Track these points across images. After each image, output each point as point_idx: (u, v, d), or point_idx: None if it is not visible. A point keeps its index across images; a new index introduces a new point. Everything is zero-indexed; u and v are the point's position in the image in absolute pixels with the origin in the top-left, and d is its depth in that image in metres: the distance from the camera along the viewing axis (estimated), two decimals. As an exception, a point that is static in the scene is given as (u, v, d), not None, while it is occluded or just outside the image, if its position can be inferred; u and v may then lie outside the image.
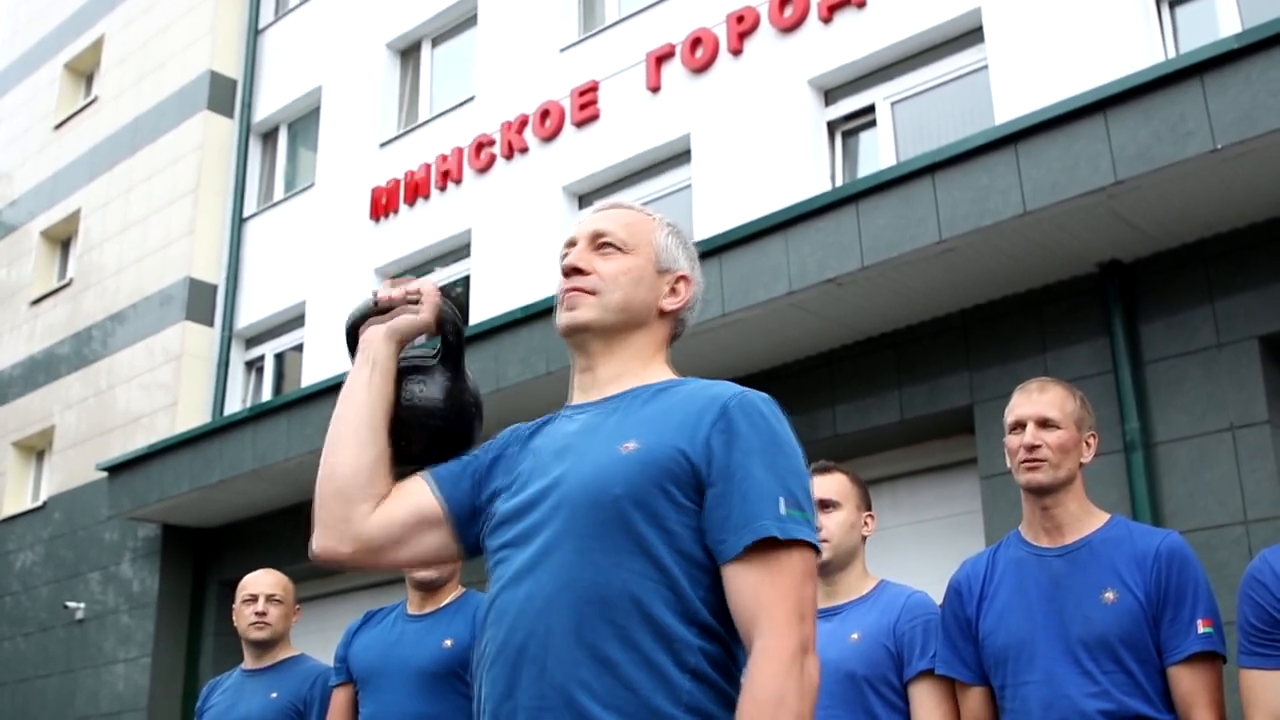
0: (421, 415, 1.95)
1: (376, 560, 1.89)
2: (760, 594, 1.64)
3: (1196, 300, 6.08)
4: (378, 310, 1.97)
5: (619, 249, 1.90)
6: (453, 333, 1.98)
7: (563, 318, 1.89)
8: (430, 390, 1.96)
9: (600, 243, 1.91)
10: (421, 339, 2.01)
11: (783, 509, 1.67)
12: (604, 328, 1.88)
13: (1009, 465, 2.82)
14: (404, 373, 1.97)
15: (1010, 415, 2.82)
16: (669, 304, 1.92)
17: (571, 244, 1.94)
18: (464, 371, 2.02)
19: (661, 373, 1.90)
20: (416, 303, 1.95)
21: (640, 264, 1.90)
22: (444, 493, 1.89)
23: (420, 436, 1.95)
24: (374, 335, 1.95)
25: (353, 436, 1.89)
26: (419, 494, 1.89)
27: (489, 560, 1.84)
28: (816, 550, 1.71)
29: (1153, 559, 2.61)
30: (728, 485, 1.69)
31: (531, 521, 1.76)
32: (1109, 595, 2.61)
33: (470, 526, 1.90)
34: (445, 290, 2.01)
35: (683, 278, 1.94)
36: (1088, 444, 2.80)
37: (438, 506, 1.88)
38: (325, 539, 1.87)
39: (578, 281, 1.88)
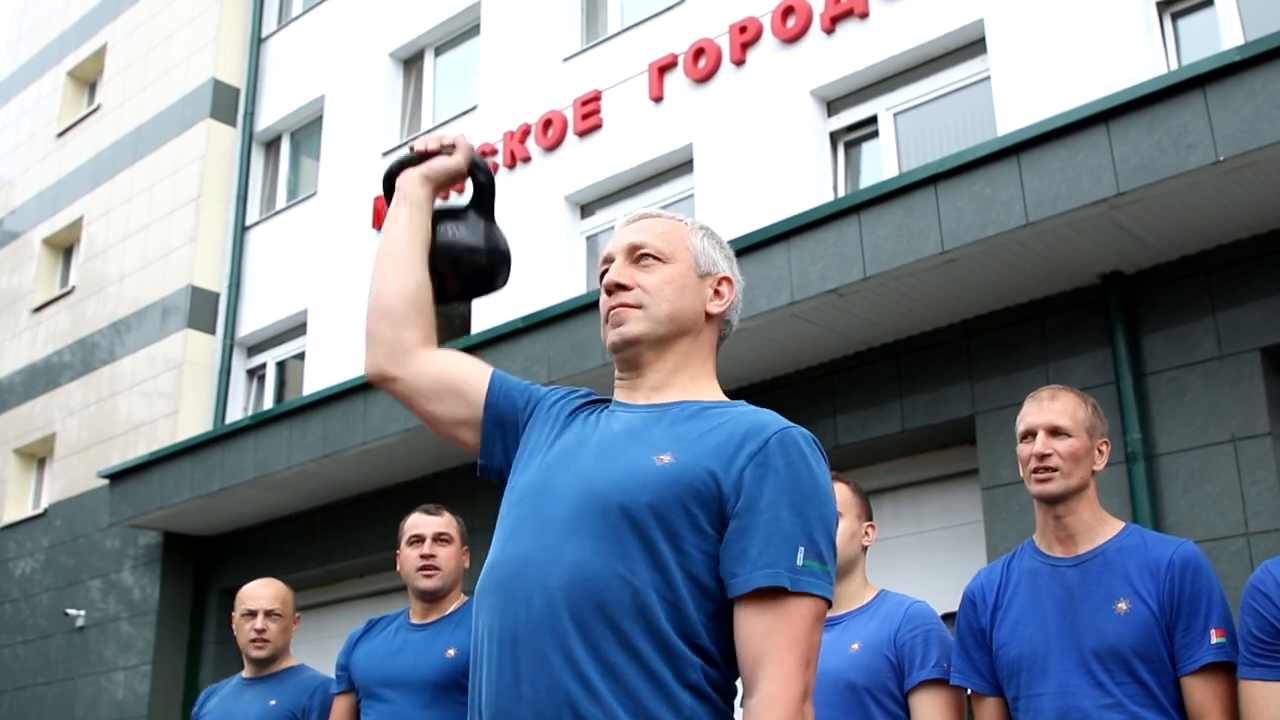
0: (459, 252, 2.09)
1: (414, 395, 1.98)
2: (770, 638, 1.64)
3: (1198, 312, 6.08)
4: (414, 160, 2.11)
5: (658, 259, 1.89)
6: (484, 176, 2.12)
7: (611, 335, 1.88)
8: (465, 231, 2.11)
9: (638, 255, 1.89)
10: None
11: (800, 559, 1.65)
12: (654, 340, 1.87)
13: (1021, 474, 2.81)
14: (439, 216, 2.11)
15: (1021, 424, 2.81)
16: (715, 307, 1.91)
17: (609, 260, 1.93)
18: (494, 217, 2.15)
19: (710, 389, 1.89)
20: (450, 151, 2.10)
21: (681, 271, 1.89)
22: (494, 392, 1.96)
23: (458, 274, 2.10)
24: (410, 177, 2.10)
25: (395, 263, 2.02)
26: (476, 373, 1.98)
27: (501, 515, 1.85)
28: (828, 602, 1.69)
29: (1166, 568, 2.60)
30: (752, 520, 1.67)
31: (554, 506, 1.76)
32: (1122, 605, 2.59)
33: (495, 434, 1.95)
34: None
35: (725, 279, 1.93)
36: (1100, 451, 2.78)
37: (482, 392, 1.96)
38: (376, 357, 2.00)
39: (622, 297, 1.87)
